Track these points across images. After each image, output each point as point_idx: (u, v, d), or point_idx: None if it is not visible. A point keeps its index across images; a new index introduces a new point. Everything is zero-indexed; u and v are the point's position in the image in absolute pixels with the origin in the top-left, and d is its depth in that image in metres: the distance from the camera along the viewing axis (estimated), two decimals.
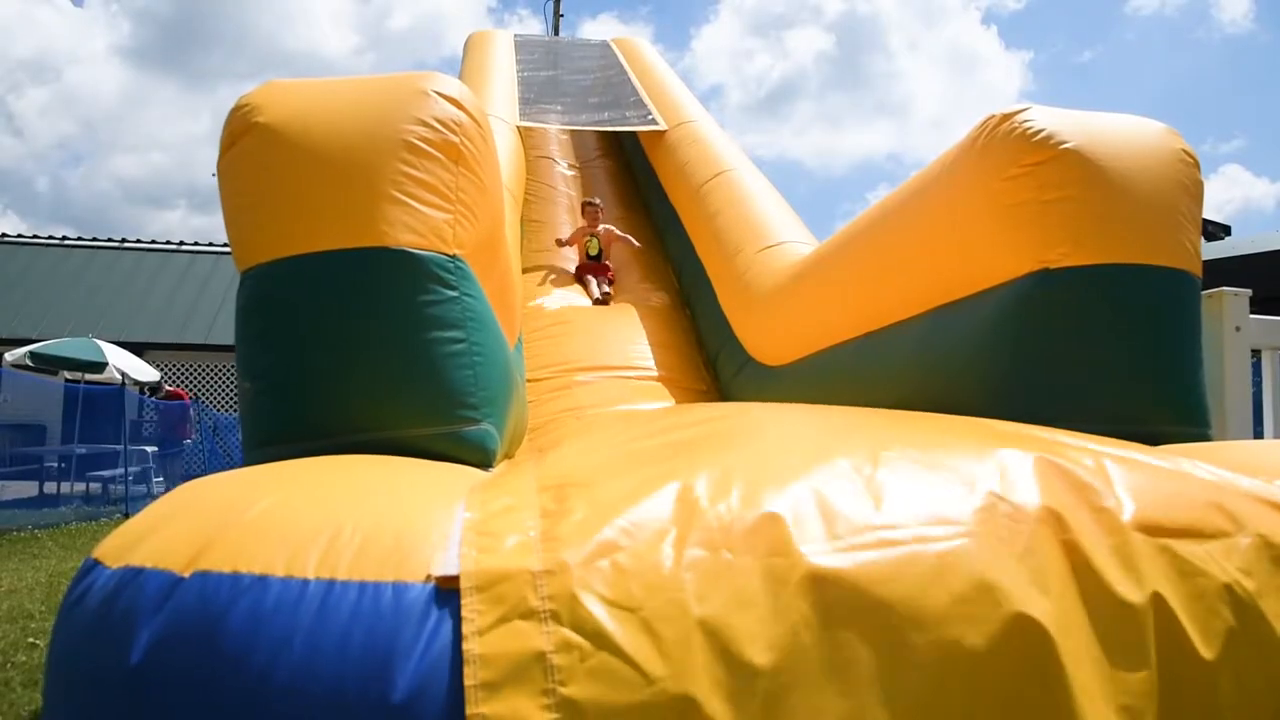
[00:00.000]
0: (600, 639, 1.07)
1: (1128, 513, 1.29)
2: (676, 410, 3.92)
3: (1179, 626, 1.20)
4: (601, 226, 6.11)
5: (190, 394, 17.69)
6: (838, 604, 1.13)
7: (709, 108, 7.54)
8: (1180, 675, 1.18)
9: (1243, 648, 1.21)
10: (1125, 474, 1.39)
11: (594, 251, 6.03)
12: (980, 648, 1.12)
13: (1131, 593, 1.21)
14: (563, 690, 1.03)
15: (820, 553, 1.18)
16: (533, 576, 1.12)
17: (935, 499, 1.29)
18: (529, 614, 1.08)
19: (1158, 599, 1.21)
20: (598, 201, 6.25)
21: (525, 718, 1.01)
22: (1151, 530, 1.28)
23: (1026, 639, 1.13)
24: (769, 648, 1.08)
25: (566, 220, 6.82)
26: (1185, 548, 1.27)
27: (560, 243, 6.14)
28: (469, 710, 1.02)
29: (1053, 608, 1.16)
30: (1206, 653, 1.19)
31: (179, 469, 12.74)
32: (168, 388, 13.08)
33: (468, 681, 1.03)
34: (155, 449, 12.23)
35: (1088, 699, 1.12)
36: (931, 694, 1.10)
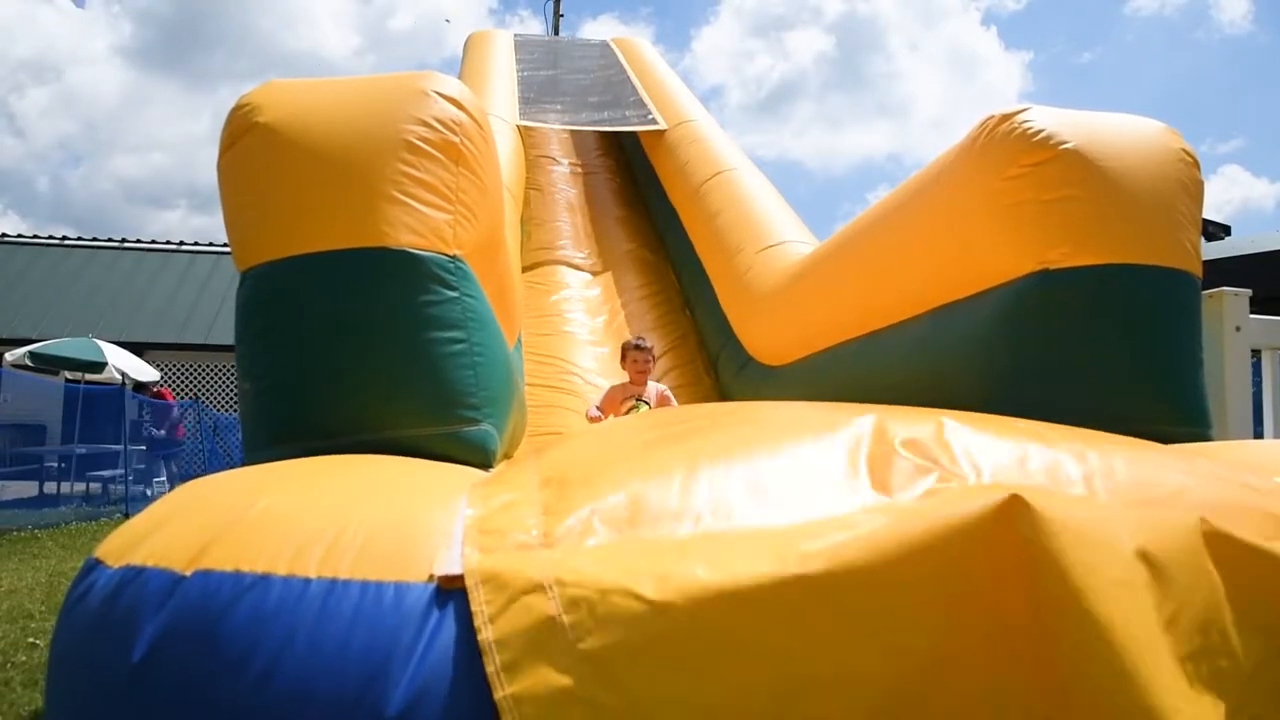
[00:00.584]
0: (603, 587, 1.07)
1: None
2: (677, 409, 3.92)
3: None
4: (653, 387, 4.29)
5: (190, 394, 17.68)
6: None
7: (709, 108, 7.50)
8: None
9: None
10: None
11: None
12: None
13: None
14: (581, 646, 1.03)
15: (812, 544, 1.18)
16: (536, 563, 1.13)
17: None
18: (534, 588, 1.09)
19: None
20: (648, 344, 4.28)
21: (553, 683, 1.02)
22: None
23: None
24: (771, 560, 1.11)
25: (566, 219, 6.82)
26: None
27: (594, 417, 4.12)
28: (496, 695, 1.01)
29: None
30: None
31: (174, 469, 12.68)
32: (154, 389, 13.01)
33: (489, 669, 1.03)
34: (144, 448, 12.15)
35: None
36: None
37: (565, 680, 1.01)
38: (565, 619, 1.05)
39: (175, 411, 13.09)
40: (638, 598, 1.06)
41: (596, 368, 5.09)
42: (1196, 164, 2.49)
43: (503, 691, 1.01)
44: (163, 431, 12.64)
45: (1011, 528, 1.14)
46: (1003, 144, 2.45)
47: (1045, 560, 1.11)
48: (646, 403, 4.20)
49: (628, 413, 4.08)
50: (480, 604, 1.09)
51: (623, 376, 4.29)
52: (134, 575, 1.19)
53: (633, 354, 4.22)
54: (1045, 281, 2.37)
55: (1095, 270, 2.32)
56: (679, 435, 1.61)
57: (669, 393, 4.37)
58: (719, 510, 1.24)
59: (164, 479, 12.11)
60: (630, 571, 1.09)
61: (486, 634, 1.06)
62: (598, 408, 4.15)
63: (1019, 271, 2.45)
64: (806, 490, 1.29)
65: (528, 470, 1.47)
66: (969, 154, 2.60)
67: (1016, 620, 1.12)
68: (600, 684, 1.01)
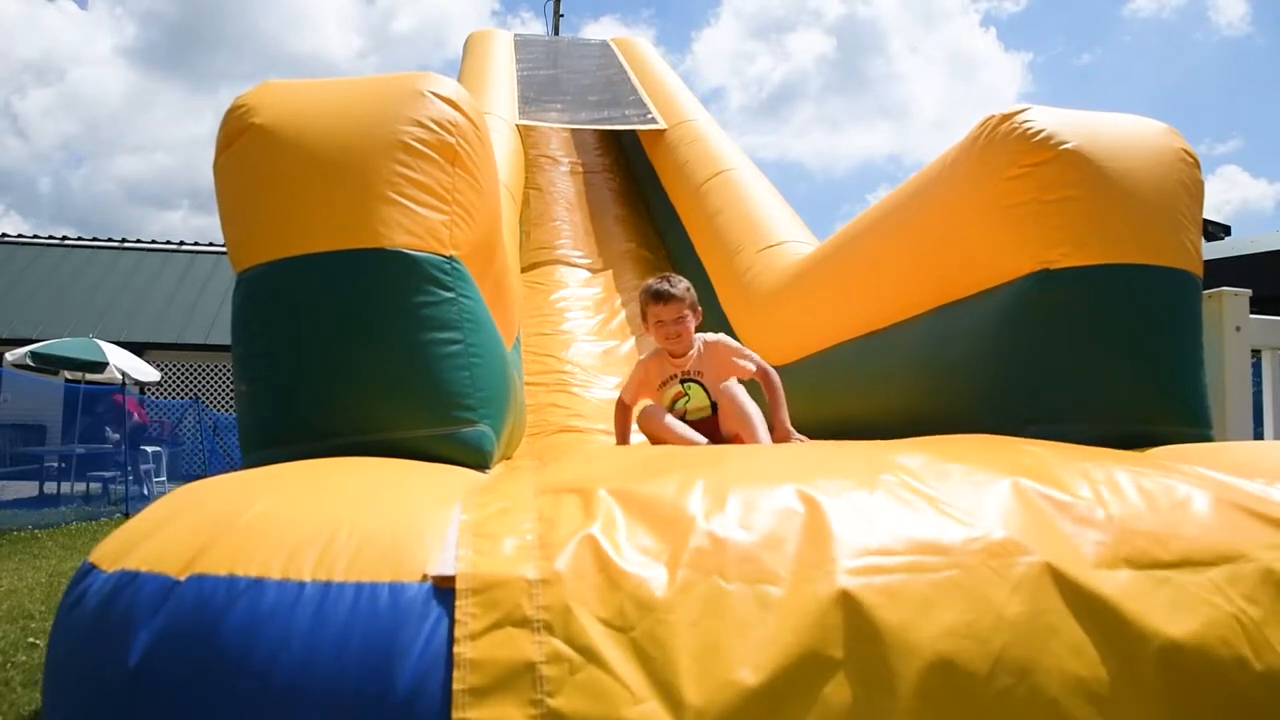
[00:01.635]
0: (590, 654, 1.07)
1: (1126, 547, 1.27)
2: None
3: (1183, 659, 1.17)
4: (699, 340, 3.21)
5: (190, 394, 17.69)
6: (831, 630, 1.12)
7: (710, 110, 7.49)
8: (1187, 708, 1.16)
9: (1253, 676, 1.18)
10: (1122, 504, 1.36)
11: (695, 405, 3.16)
12: (970, 679, 1.11)
13: (1130, 629, 1.18)
14: (550, 701, 1.03)
15: (814, 579, 1.17)
16: (528, 585, 1.11)
17: (929, 528, 1.27)
18: (522, 622, 1.08)
19: (1159, 635, 1.18)
20: (676, 288, 3.13)
21: None
22: (1150, 564, 1.25)
23: (1016, 674, 1.12)
24: (758, 670, 1.08)
25: (565, 219, 6.81)
26: (1186, 578, 1.25)
27: (625, 402, 3.32)
28: (455, 715, 1.02)
29: (1044, 646, 1.15)
30: (1214, 684, 1.17)
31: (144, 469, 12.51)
32: (117, 395, 12.96)
33: (456, 686, 1.03)
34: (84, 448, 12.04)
35: None
36: None
37: None
38: (544, 670, 1.05)
39: (134, 419, 13.02)
40: (623, 685, 1.05)
41: (596, 367, 5.09)
42: (1197, 164, 2.49)
43: (461, 714, 1.02)
44: (116, 435, 12.56)
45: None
46: (1003, 144, 2.44)
47: None
48: (697, 382, 3.14)
49: (673, 405, 3.14)
50: (465, 615, 1.08)
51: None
52: (129, 580, 1.18)
53: (654, 309, 3.05)
54: (1046, 281, 2.37)
55: (1096, 270, 2.32)
56: (680, 458, 1.60)
57: (730, 346, 3.21)
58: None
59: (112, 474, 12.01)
60: (621, 650, 1.08)
61: (464, 649, 1.06)
62: (629, 391, 3.28)
63: (1019, 272, 2.44)
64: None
65: (524, 480, 1.47)
66: (969, 154, 2.60)
67: None
68: None
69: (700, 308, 3.23)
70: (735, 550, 1.20)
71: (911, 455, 1.51)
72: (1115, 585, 1.21)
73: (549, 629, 1.08)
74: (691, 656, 1.08)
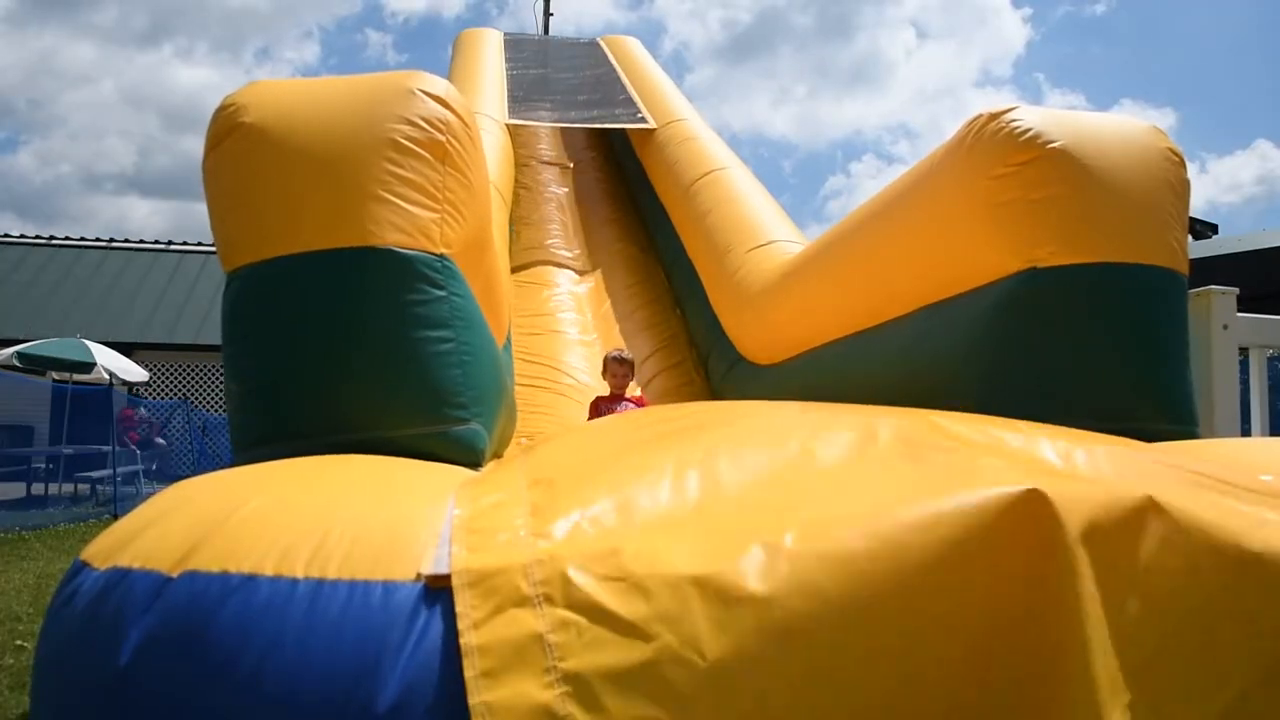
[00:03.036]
0: (596, 611, 1.07)
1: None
2: (664, 408, 3.91)
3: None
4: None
5: (180, 394, 17.62)
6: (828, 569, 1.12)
7: (677, 75, 7.49)
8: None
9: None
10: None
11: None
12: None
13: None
14: (563, 665, 1.03)
15: (802, 538, 1.16)
16: (524, 567, 1.12)
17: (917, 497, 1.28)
18: (523, 601, 1.08)
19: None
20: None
21: (530, 698, 1.01)
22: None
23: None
24: (764, 580, 1.08)
25: (555, 219, 6.81)
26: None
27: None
28: (471, 700, 1.01)
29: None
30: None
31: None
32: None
33: (468, 673, 1.03)
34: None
35: None
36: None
37: (544, 696, 1.01)
38: (551, 638, 1.05)
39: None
40: (633, 629, 1.05)
41: (586, 367, 5.09)
42: (1182, 163, 2.51)
43: (478, 698, 1.01)
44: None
45: (1028, 526, 1.12)
46: (991, 143, 2.46)
47: (1061, 570, 1.10)
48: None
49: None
50: (466, 607, 1.08)
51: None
52: (120, 577, 1.18)
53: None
54: (1033, 280, 2.39)
55: (1083, 269, 2.34)
56: (669, 434, 1.61)
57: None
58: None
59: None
60: (624, 595, 1.08)
61: (469, 638, 1.06)
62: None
63: (1007, 270, 2.46)
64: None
65: (515, 471, 1.47)
66: (957, 153, 2.61)
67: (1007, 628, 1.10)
68: (579, 705, 1.01)
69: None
70: (728, 508, 1.23)
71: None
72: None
73: (550, 600, 1.08)
74: (695, 586, 1.08)
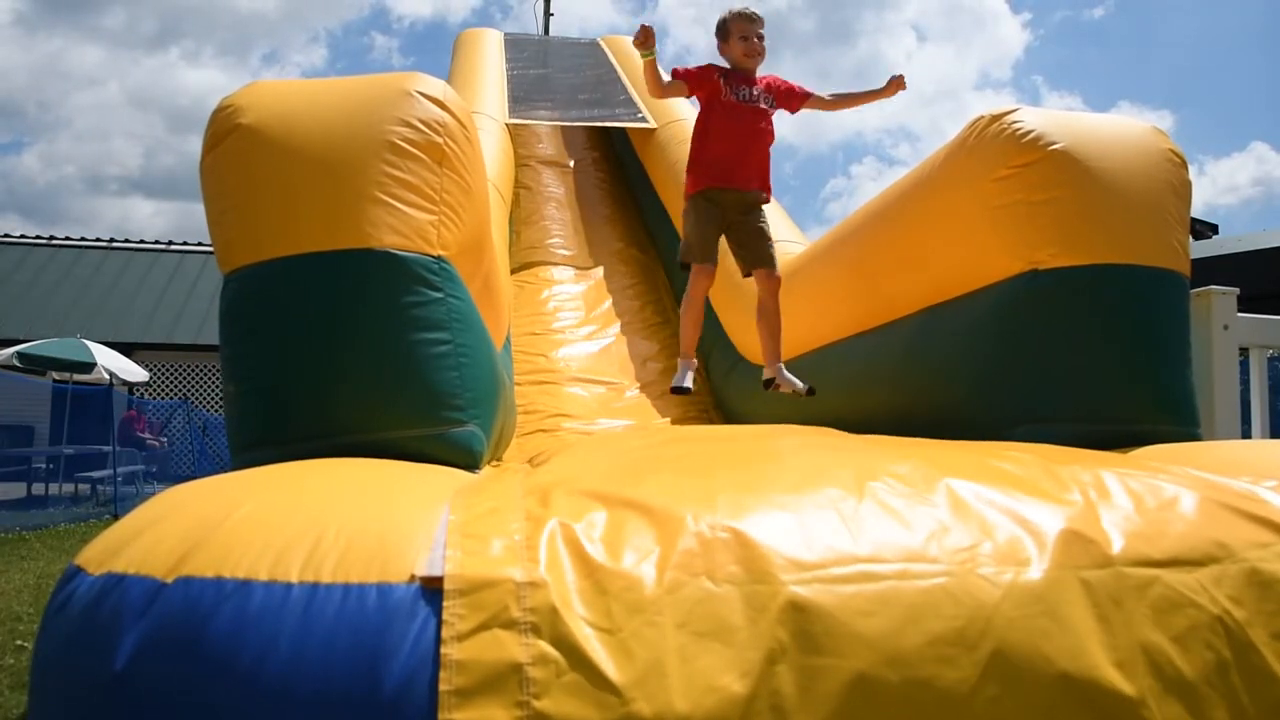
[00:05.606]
0: (577, 656, 1.07)
1: (1116, 546, 1.27)
2: (666, 429, 3.92)
3: (1169, 660, 1.17)
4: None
5: (180, 394, 17.63)
6: (815, 635, 1.12)
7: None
8: (1173, 711, 1.15)
9: (1236, 678, 1.19)
10: (1111, 505, 1.37)
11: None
12: (955, 689, 1.11)
13: (1120, 634, 1.18)
14: (536, 703, 1.03)
15: (800, 582, 1.17)
16: (516, 586, 1.11)
17: (918, 535, 1.27)
18: (510, 624, 1.08)
19: (1146, 637, 1.18)
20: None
21: None
22: (1140, 562, 1.26)
23: (1005, 681, 1.12)
24: (744, 675, 1.08)
25: (555, 218, 6.81)
26: (1174, 577, 1.25)
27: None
28: (441, 716, 1.02)
29: (1035, 650, 1.14)
30: (1201, 686, 1.17)
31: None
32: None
33: (442, 687, 1.03)
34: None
35: None
36: None
37: None
38: (530, 671, 1.05)
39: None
40: (610, 687, 1.05)
41: (586, 366, 5.09)
42: (1184, 164, 2.50)
43: (447, 715, 1.02)
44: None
45: None
46: (992, 145, 2.45)
47: None
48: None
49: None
50: (453, 615, 1.08)
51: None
52: (115, 583, 1.18)
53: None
54: (1034, 281, 2.38)
55: (1084, 270, 2.33)
56: (669, 460, 1.60)
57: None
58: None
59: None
60: (608, 651, 1.08)
61: (451, 649, 1.06)
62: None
63: (1009, 272, 2.45)
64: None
65: (511, 481, 1.47)
66: (958, 155, 2.61)
67: None
68: None
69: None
70: (723, 552, 1.20)
71: (902, 463, 1.51)
72: (1102, 585, 1.21)
73: (536, 631, 1.08)
74: (679, 659, 1.08)
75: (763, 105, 3.50)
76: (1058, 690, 1.13)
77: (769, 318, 3.55)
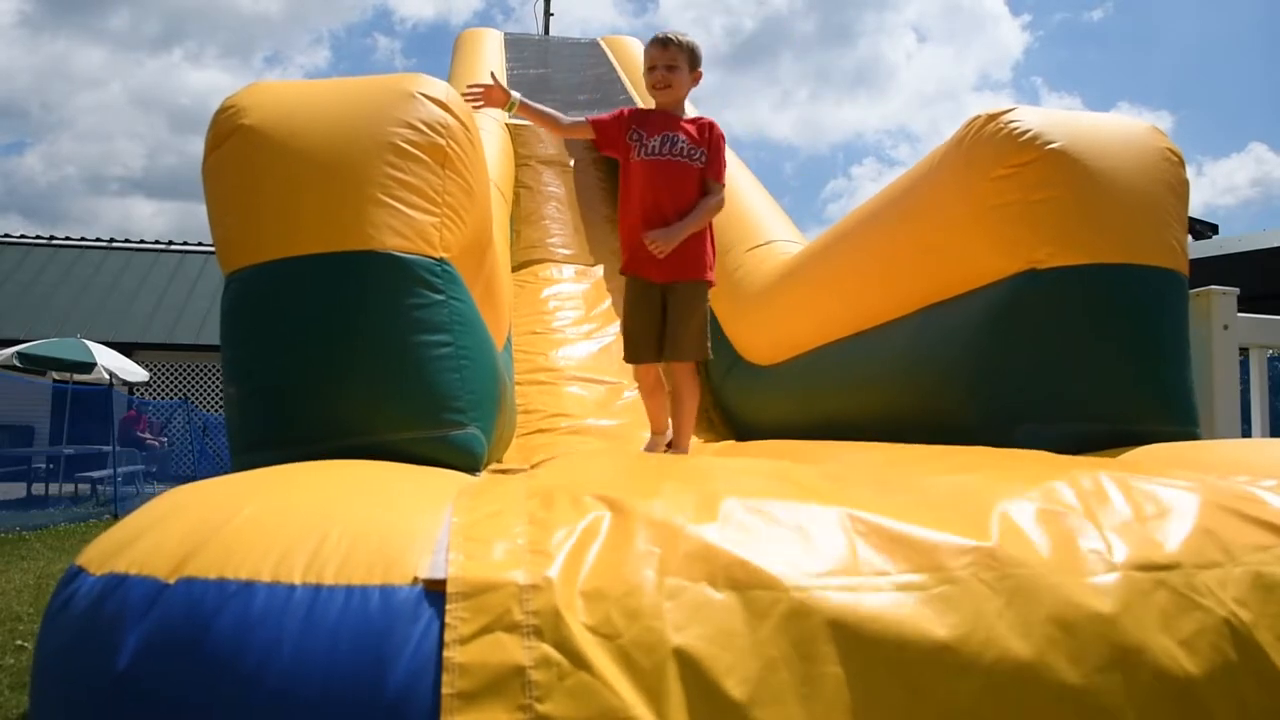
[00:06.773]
0: (580, 660, 1.07)
1: (1119, 553, 1.27)
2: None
3: (1177, 663, 1.17)
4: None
5: (180, 394, 17.63)
6: (818, 641, 1.12)
7: None
8: (1178, 712, 1.15)
9: (1242, 680, 1.19)
10: (1113, 510, 1.37)
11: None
12: (960, 696, 1.11)
13: (1128, 635, 1.18)
14: (539, 707, 1.03)
15: (803, 588, 1.17)
16: (518, 589, 1.11)
17: (921, 542, 1.26)
18: (512, 627, 1.08)
19: (1154, 638, 1.18)
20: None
21: None
22: (1144, 567, 1.26)
23: (1011, 689, 1.12)
24: (743, 681, 1.08)
25: (556, 218, 6.81)
26: (1179, 579, 1.25)
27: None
28: (443, 718, 1.02)
29: (1039, 658, 1.14)
30: (1206, 687, 1.17)
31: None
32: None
33: (445, 690, 1.03)
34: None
35: None
36: None
37: None
38: (533, 674, 1.05)
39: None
40: (611, 692, 1.05)
41: (587, 365, 5.08)
42: (1182, 163, 2.51)
43: (450, 718, 1.02)
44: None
45: None
46: (989, 144, 2.45)
47: None
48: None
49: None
50: (455, 619, 1.08)
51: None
52: (117, 583, 1.17)
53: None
54: (1033, 281, 2.38)
55: (1082, 270, 2.33)
56: (670, 468, 1.60)
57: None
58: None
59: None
60: (609, 657, 1.08)
61: (453, 653, 1.06)
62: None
63: (1007, 271, 2.45)
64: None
65: (514, 484, 1.47)
66: (956, 154, 2.61)
67: None
68: None
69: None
70: (723, 558, 1.20)
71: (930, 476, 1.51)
72: (1108, 593, 1.21)
73: (538, 634, 1.08)
74: (679, 664, 1.08)
75: (684, 158, 2.93)
76: (1065, 697, 1.13)
77: (681, 403, 3.12)
